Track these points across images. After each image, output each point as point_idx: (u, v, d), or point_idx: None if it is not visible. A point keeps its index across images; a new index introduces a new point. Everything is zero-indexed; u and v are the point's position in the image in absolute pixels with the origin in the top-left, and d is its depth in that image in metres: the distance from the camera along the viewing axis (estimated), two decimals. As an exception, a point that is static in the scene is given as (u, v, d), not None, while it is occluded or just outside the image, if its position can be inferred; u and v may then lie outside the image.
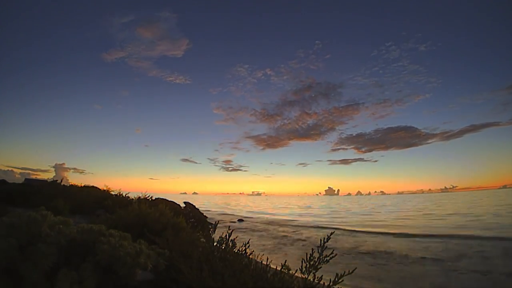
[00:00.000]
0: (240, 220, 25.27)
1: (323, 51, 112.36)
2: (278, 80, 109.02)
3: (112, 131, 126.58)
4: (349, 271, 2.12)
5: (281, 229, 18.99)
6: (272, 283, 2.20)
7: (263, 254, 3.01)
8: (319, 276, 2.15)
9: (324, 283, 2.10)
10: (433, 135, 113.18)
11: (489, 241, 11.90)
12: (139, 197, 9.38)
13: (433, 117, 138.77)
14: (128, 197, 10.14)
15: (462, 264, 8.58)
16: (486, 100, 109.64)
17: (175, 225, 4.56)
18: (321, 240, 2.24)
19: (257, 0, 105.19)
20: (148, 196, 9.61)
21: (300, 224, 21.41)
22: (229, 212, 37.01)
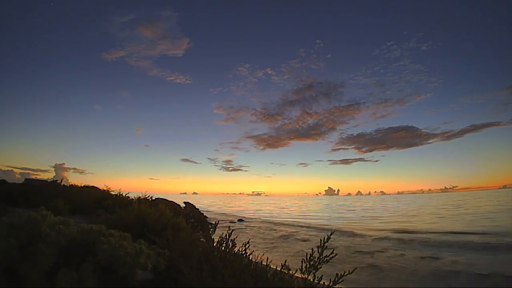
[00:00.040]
0: (240, 220, 25.27)
1: (324, 50, 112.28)
2: (279, 80, 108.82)
3: (112, 131, 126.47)
4: (349, 271, 2.13)
5: (281, 229, 19.00)
6: (272, 283, 2.20)
7: (263, 254, 3.01)
8: (319, 276, 2.16)
9: (324, 283, 2.11)
10: (434, 135, 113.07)
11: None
12: (139, 197, 9.38)
13: (433, 117, 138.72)
14: (128, 197, 10.14)
15: None
16: (487, 100, 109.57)
17: (175, 225, 4.55)
18: (321, 240, 2.24)
19: None
20: (148, 196, 9.61)
21: (300, 224, 21.41)
22: (229, 212, 37.03)
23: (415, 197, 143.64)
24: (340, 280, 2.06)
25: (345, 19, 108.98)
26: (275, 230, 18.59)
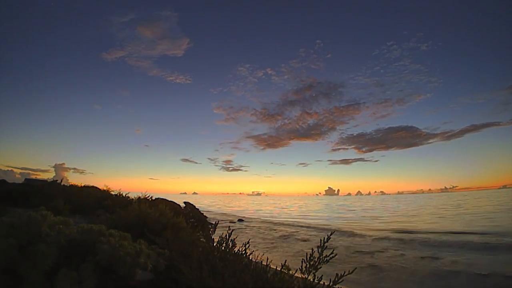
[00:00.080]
0: (240, 220, 25.27)
1: (324, 50, 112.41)
2: (279, 80, 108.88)
3: (112, 131, 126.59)
4: (349, 271, 2.13)
5: (281, 229, 18.99)
6: (272, 283, 2.20)
7: (263, 254, 3.01)
8: (319, 275, 2.15)
9: (324, 283, 2.10)
10: (433, 135, 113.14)
11: None
12: (139, 197, 9.37)
13: (434, 117, 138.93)
14: (128, 197, 10.13)
15: None
16: (487, 100, 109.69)
17: (175, 225, 4.55)
18: (321, 240, 2.24)
19: None
20: (148, 196, 9.60)
21: (300, 224, 21.41)
22: (229, 212, 37.03)
23: (415, 197, 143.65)
24: (340, 280, 2.06)
25: (345, 19, 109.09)
26: (275, 230, 18.59)
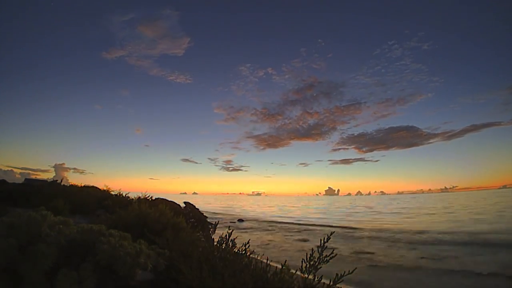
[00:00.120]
0: (240, 220, 25.27)
1: (325, 50, 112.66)
2: (279, 79, 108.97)
3: (112, 131, 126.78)
4: (349, 271, 2.12)
5: (281, 228, 19.00)
6: (272, 283, 2.20)
7: (263, 254, 3.01)
8: (319, 276, 2.15)
9: (324, 283, 2.10)
10: (434, 135, 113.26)
11: None
12: (139, 197, 9.36)
13: (434, 117, 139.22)
14: (128, 197, 10.13)
15: None
16: (487, 100, 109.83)
17: (175, 225, 4.55)
18: (321, 240, 2.24)
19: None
20: (148, 196, 9.59)
21: (300, 224, 21.42)
22: (229, 212, 37.03)
23: (415, 197, 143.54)
24: (340, 280, 2.06)
25: (346, 18, 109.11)
26: (275, 230, 18.60)
